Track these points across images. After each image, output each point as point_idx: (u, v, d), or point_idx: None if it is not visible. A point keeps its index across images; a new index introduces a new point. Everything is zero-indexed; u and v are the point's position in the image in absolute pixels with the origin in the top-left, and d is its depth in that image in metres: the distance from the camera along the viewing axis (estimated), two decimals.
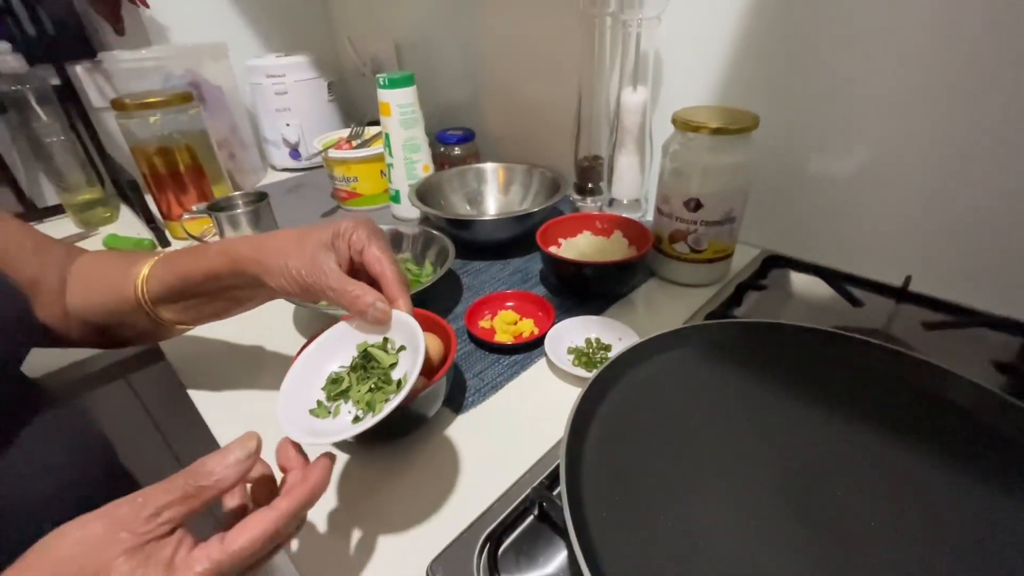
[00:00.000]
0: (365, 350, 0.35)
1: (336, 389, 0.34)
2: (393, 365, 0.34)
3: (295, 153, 1.01)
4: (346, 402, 0.33)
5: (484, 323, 0.53)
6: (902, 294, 0.51)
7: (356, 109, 1.19)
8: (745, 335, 0.42)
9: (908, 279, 0.51)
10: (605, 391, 0.37)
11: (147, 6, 0.86)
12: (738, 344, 0.41)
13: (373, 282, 0.35)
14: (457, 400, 0.44)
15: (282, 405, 0.31)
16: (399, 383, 0.33)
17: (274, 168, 1.06)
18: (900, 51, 0.47)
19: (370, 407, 0.32)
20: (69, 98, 0.82)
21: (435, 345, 0.42)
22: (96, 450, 0.39)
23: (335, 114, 1.05)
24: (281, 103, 0.97)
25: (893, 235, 0.54)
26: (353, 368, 0.35)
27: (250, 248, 0.36)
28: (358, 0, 1.08)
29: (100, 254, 0.45)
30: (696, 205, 0.52)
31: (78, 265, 0.43)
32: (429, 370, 0.41)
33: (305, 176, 1.00)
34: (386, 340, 0.35)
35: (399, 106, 0.69)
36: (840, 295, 0.52)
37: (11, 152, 0.85)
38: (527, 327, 0.51)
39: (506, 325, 0.52)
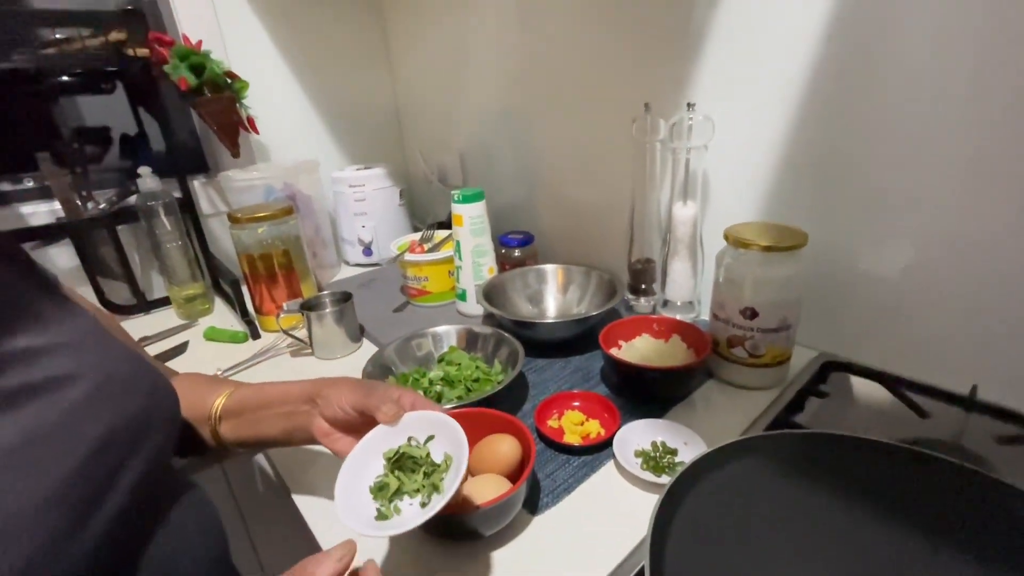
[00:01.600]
0: (396, 454, 0.38)
1: (388, 492, 0.36)
2: (428, 454, 0.38)
3: (368, 251, 1.12)
4: (402, 499, 0.36)
5: (552, 422, 0.56)
6: (970, 404, 0.51)
7: (420, 210, 1.31)
8: (812, 446, 0.43)
9: (974, 388, 0.51)
10: (681, 498, 0.39)
11: (258, 133, 1.02)
12: (805, 455, 0.43)
13: None
14: (532, 501, 0.46)
15: (350, 523, 0.33)
16: (446, 462, 0.36)
17: (347, 263, 1.17)
18: (940, 155, 0.51)
19: (435, 488, 0.35)
20: (187, 208, 0.97)
21: (514, 448, 0.45)
22: (217, 531, 0.43)
23: (404, 217, 1.17)
24: (359, 208, 1.10)
25: (953, 338, 0.55)
26: (391, 471, 0.38)
27: (318, 380, 0.46)
28: (427, 119, 1.24)
29: (189, 376, 0.53)
30: (752, 314, 0.56)
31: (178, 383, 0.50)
32: (511, 473, 0.45)
33: (376, 271, 1.10)
34: (409, 439, 0.39)
35: (471, 218, 0.78)
36: (904, 404, 0.53)
37: (133, 252, 0.98)
38: (594, 428, 0.54)
39: (573, 425, 0.55)
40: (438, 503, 0.33)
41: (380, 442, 0.39)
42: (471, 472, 0.46)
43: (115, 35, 0.71)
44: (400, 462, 0.38)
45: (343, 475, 0.37)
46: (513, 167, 1.04)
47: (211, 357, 0.79)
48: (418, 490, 0.36)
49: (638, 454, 0.50)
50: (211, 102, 0.89)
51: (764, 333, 0.56)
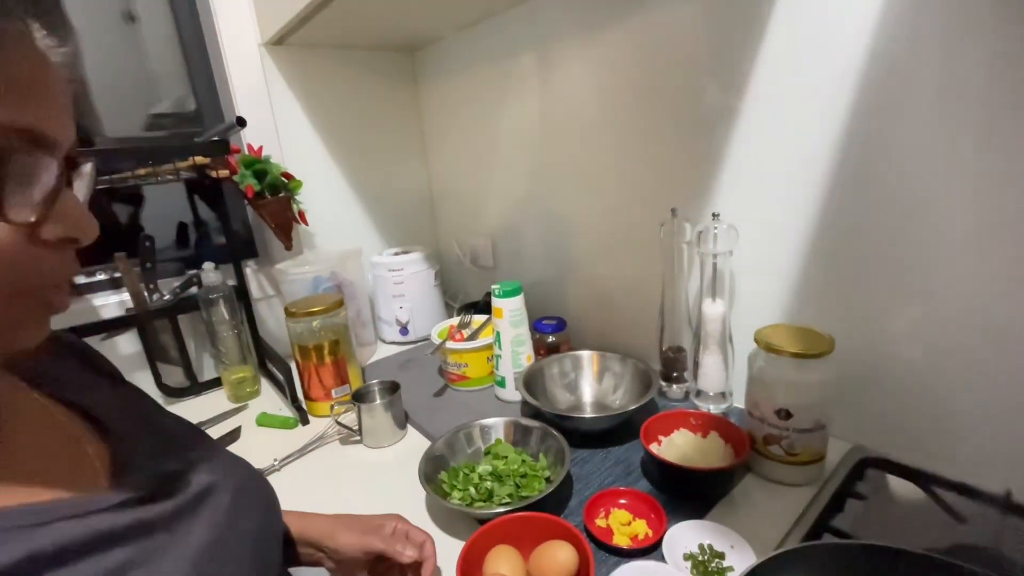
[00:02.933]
0: None
1: None
2: None
3: (404, 330, 1.18)
4: None
5: (600, 521, 0.58)
6: (1007, 506, 0.53)
7: (452, 288, 1.38)
8: (855, 558, 0.45)
9: (1009, 492, 0.53)
10: None
11: (307, 224, 1.11)
12: (850, 567, 0.45)
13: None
14: None
15: None
16: None
17: (383, 341, 1.22)
18: (956, 248, 0.55)
19: None
20: (241, 295, 1.04)
21: (572, 557, 0.48)
22: None
23: (438, 296, 1.23)
24: (397, 291, 1.17)
25: (986, 433, 0.57)
26: None
27: (325, 521, 0.52)
28: (459, 204, 1.33)
29: None
30: (786, 415, 0.59)
31: None
32: None
33: (412, 351, 1.15)
34: None
35: (510, 311, 0.84)
36: (940, 506, 0.55)
37: (189, 338, 1.05)
38: (641, 528, 0.57)
39: (621, 526, 0.57)
40: None
41: None
42: None
43: (201, 159, 0.81)
44: None
45: None
46: (542, 251, 1.11)
47: (264, 443, 0.83)
48: None
49: (687, 557, 0.52)
50: (271, 204, 0.98)
51: (799, 433, 0.59)
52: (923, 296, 0.59)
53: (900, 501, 0.58)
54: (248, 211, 1.21)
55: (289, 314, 0.87)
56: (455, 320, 1.04)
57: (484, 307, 1.07)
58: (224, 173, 0.86)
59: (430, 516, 0.63)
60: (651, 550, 0.54)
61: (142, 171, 0.77)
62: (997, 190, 0.52)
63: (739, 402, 0.78)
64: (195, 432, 0.45)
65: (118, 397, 0.40)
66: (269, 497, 0.44)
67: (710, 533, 0.55)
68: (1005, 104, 0.50)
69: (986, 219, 0.54)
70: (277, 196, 0.99)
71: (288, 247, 1.05)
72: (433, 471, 0.65)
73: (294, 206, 1.06)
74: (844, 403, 0.65)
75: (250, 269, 1.14)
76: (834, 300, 0.67)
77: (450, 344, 0.91)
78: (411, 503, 0.65)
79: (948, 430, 0.60)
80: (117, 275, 1.02)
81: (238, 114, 1.07)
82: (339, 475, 0.74)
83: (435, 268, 1.22)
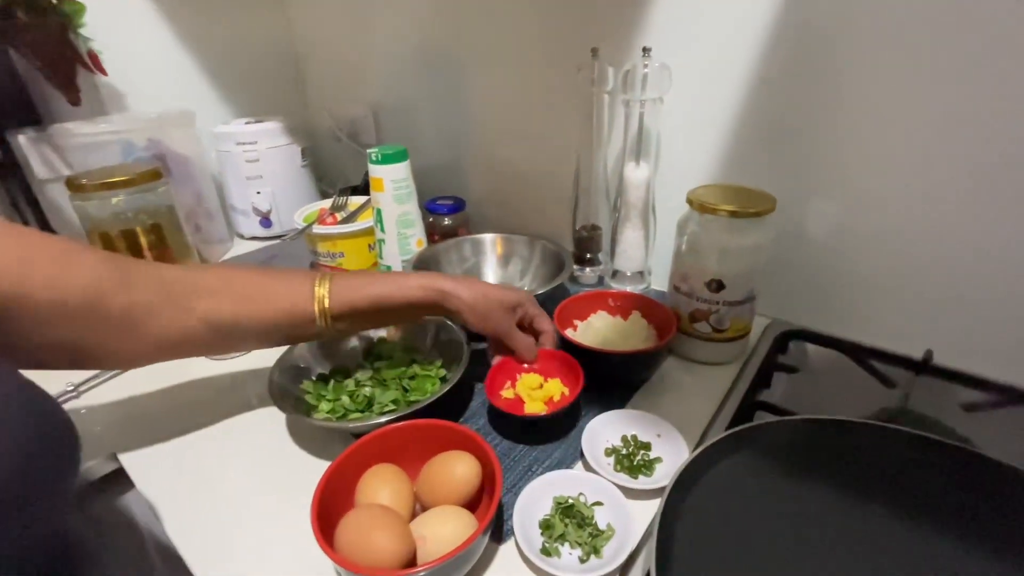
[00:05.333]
0: (565, 502, 0.39)
1: (554, 533, 0.37)
2: (593, 516, 0.38)
3: (266, 221, 0.95)
4: (563, 544, 0.37)
5: (506, 393, 0.48)
6: (926, 368, 0.51)
7: (329, 173, 1.14)
8: (803, 434, 0.40)
9: (929, 352, 0.51)
10: (680, 503, 0.34)
11: (105, 73, 0.80)
12: (801, 443, 0.39)
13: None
14: (497, 526, 0.39)
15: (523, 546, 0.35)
16: (610, 530, 0.37)
17: (242, 237, 0.99)
18: (894, 114, 0.49)
19: (595, 551, 0.36)
20: (12, 174, 0.74)
21: (472, 469, 0.37)
22: None
23: (308, 180, 1.00)
24: (252, 171, 0.92)
25: (908, 303, 0.54)
26: (559, 516, 0.38)
27: (454, 286, 0.46)
28: (332, 66, 1.07)
29: (243, 269, 0.45)
30: (718, 286, 0.51)
31: (227, 279, 0.42)
32: (470, 501, 0.36)
33: (278, 246, 0.93)
34: (580, 494, 0.40)
35: (393, 181, 0.66)
36: (868, 373, 0.52)
37: None
38: (555, 389, 0.47)
39: (531, 391, 0.47)
40: (598, 568, 0.34)
41: (554, 486, 0.40)
42: (421, 504, 0.38)
43: None
44: (568, 512, 0.38)
45: (521, 500, 0.39)
46: (436, 124, 0.92)
47: None
48: (580, 544, 0.36)
49: (608, 452, 0.44)
50: (30, 30, 0.67)
51: (730, 306, 0.52)
52: (851, 169, 0.53)
53: (824, 370, 0.55)
54: (15, 58, 0.86)
55: (74, 188, 0.62)
56: (327, 202, 0.84)
57: (365, 190, 0.88)
58: None
59: (292, 438, 0.49)
60: (574, 413, 0.46)
61: None
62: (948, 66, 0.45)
63: (657, 284, 0.71)
64: None
65: None
66: (42, 417, 0.28)
67: (633, 423, 0.47)
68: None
69: (920, 106, 0.48)
70: (42, 20, 0.68)
71: (73, 100, 0.75)
72: (291, 382, 0.50)
73: (79, 42, 0.75)
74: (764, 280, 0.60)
75: (26, 138, 0.82)
76: (764, 166, 0.58)
77: (318, 229, 0.72)
78: (268, 424, 0.50)
79: (865, 301, 0.57)
80: None
81: None
82: (168, 398, 0.56)
83: (303, 144, 0.97)
